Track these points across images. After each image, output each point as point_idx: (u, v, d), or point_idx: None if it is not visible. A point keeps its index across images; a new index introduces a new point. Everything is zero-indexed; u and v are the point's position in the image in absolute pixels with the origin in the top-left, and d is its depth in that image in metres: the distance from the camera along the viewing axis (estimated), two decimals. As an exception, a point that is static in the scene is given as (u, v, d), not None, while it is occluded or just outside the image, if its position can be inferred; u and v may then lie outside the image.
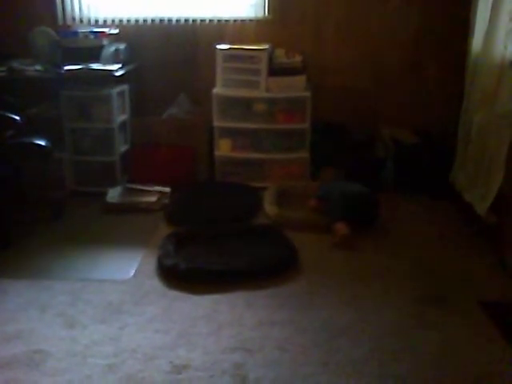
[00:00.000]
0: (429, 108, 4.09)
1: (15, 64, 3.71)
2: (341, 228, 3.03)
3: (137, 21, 4.04)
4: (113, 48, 3.82)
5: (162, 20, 4.03)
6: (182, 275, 2.67)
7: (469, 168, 3.34)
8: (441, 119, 3.98)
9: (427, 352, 2.16)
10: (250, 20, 4.02)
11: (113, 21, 4.04)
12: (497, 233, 2.94)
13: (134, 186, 3.69)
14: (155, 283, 2.66)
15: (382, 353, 2.16)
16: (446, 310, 2.45)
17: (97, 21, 4.04)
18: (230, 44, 3.81)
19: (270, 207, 3.41)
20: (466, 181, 3.35)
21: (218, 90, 3.80)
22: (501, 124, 2.90)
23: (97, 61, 3.72)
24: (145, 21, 4.04)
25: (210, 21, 4.02)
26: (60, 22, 4.01)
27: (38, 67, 3.67)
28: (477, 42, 3.33)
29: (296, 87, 3.77)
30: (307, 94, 3.74)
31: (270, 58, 3.79)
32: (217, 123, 3.83)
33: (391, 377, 2.03)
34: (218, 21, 4.02)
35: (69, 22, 4.03)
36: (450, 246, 3.09)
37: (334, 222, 3.08)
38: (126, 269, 2.80)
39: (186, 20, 4.03)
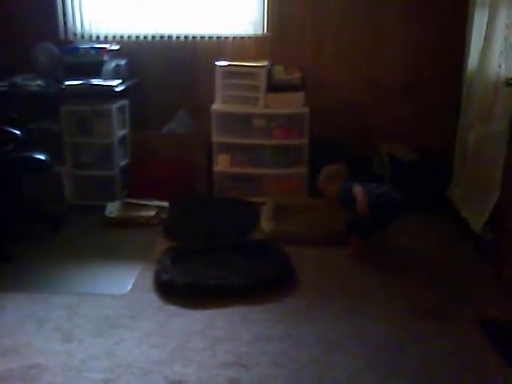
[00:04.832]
0: (426, 124, 4.12)
1: (17, 79, 3.76)
2: (357, 246, 3.09)
3: (137, 37, 4.10)
4: (113, 64, 3.87)
5: (162, 36, 4.09)
6: (178, 290, 2.68)
7: (465, 184, 3.36)
8: (438, 135, 4.01)
9: (424, 368, 2.16)
10: (250, 37, 4.06)
11: (114, 37, 4.09)
12: (493, 249, 2.96)
13: (132, 200, 3.70)
14: (152, 298, 2.67)
15: (377, 368, 2.16)
16: (443, 326, 2.45)
17: (98, 37, 4.09)
18: (229, 61, 3.85)
19: (265, 222, 3.43)
20: (463, 197, 3.37)
21: (217, 105, 3.83)
22: (496, 142, 2.93)
23: (97, 76, 3.76)
24: (145, 37, 4.09)
25: (210, 38, 4.07)
26: (62, 37, 4.07)
27: (40, 82, 3.71)
28: (472, 59, 3.37)
29: (294, 103, 3.80)
30: (306, 110, 3.77)
31: (269, 75, 3.83)
32: (216, 139, 3.86)
33: (386, 393, 2.04)
34: (218, 38, 4.07)
35: (70, 37, 4.08)
36: (448, 261, 3.09)
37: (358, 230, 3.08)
38: (124, 283, 2.81)
39: (186, 37, 4.08)
